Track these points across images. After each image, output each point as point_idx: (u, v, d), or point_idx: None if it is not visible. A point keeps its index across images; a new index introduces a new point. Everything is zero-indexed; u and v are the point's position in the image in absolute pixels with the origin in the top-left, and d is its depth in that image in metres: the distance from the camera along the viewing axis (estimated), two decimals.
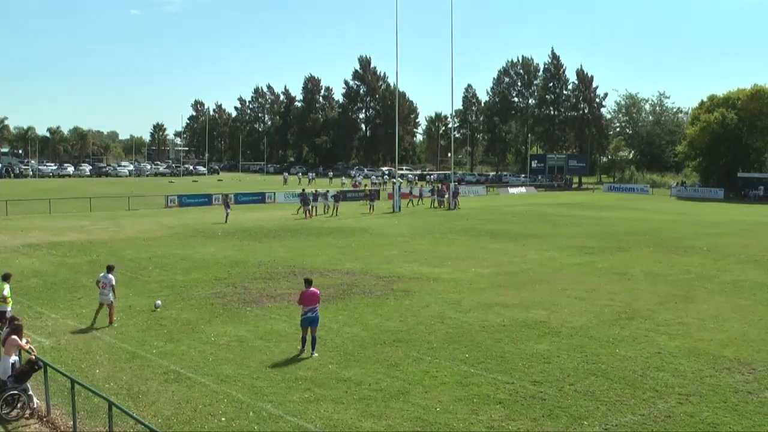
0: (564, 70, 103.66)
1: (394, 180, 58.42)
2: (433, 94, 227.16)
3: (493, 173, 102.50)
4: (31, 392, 11.15)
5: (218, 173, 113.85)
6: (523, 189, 78.17)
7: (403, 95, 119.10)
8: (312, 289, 14.10)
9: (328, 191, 48.23)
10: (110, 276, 16.35)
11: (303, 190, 49.45)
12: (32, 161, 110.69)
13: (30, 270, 23.25)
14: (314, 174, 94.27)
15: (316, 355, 13.82)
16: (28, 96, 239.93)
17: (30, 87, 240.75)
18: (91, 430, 10.37)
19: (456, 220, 41.42)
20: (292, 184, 77.92)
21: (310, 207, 42.72)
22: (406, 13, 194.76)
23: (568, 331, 15.75)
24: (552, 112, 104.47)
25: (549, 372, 12.92)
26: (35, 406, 11.10)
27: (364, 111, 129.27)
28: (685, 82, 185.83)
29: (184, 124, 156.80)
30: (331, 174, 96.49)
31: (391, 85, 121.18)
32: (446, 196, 52.72)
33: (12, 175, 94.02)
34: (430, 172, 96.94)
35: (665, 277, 22.81)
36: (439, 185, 60.53)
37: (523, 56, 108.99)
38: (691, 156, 77.17)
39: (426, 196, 54.73)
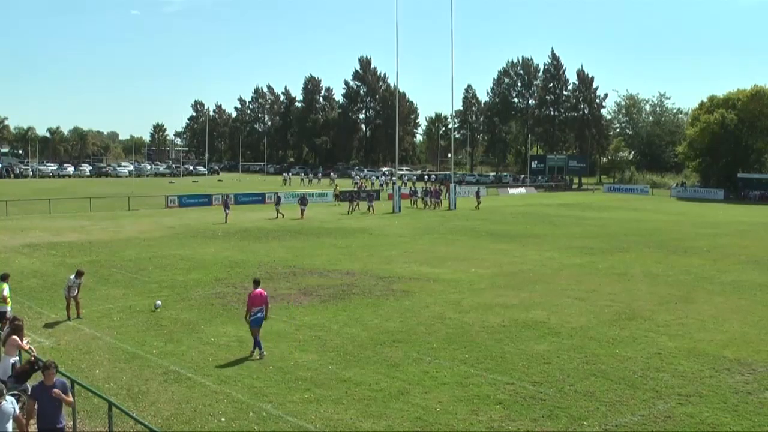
0: (564, 71, 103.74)
1: (393, 180, 58.45)
2: (433, 95, 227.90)
3: (493, 174, 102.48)
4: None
5: (218, 173, 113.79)
6: (523, 189, 78.19)
7: (403, 96, 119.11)
8: (259, 290, 14.11)
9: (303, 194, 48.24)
10: (71, 277, 16.98)
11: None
12: (32, 161, 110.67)
13: (30, 270, 23.25)
14: (336, 175, 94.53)
15: (256, 355, 13.76)
16: (28, 96, 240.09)
17: (30, 87, 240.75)
18: (91, 430, 10.37)
19: (456, 221, 41.42)
20: (295, 185, 78.01)
21: (305, 207, 42.75)
22: (406, 13, 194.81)
23: (568, 332, 15.75)
24: (552, 113, 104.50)
25: (549, 372, 12.92)
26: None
27: (364, 111, 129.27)
28: (685, 83, 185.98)
29: (184, 125, 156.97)
30: (334, 175, 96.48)
31: (391, 85, 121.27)
32: (442, 196, 52.79)
33: (12, 175, 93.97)
34: (422, 174, 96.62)
35: (665, 277, 22.80)
36: (428, 186, 61.11)
37: (523, 57, 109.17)
38: (691, 157, 77.21)
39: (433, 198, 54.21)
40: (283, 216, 41.41)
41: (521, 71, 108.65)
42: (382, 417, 10.81)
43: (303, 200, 43.63)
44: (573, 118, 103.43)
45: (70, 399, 8.85)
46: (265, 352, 13.80)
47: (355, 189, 60.77)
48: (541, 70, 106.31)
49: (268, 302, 14.35)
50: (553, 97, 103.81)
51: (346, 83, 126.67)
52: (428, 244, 30.86)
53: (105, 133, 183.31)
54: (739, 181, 69.38)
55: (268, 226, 37.56)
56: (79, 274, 17.01)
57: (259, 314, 13.95)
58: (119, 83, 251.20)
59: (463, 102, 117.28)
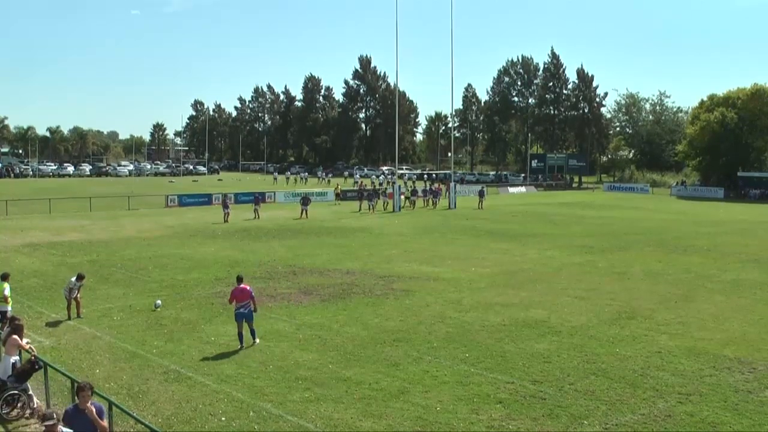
0: (564, 70, 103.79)
1: (392, 179, 58.46)
2: (433, 94, 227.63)
3: (493, 173, 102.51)
4: (31, 392, 11.15)
5: (218, 173, 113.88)
6: (523, 188, 78.16)
7: (403, 95, 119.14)
8: (242, 285, 14.56)
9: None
10: (71, 280, 17.01)
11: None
12: (32, 161, 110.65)
13: (30, 270, 23.24)
14: (360, 173, 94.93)
15: (258, 341, 14.45)
16: (28, 96, 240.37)
17: (30, 87, 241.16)
18: None
19: (456, 220, 41.41)
20: (293, 184, 78.08)
21: (307, 207, 42.68)
22: (406, 12, 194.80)
23: (569, 331, 15.74)
24: (552, 112, 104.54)
25: (549, 371, 12.91)
26: (35, 405, 11.09)
27: (364, 111, 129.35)
28: (685, 81, 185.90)
29: (184, 124, 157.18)
30: (357, 173, 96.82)
31: (392, 84, 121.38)
32: (439, 196, 52.69)
33: (12, 175, 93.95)
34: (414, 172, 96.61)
35: (665, 276, 22.79)
36: (414, 185, 62.21)
37: (522, 56, 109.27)
38: (691, 155, 77.22)
39: (419, 196, 53.83)
40: (258, 217, 40.66)
41: (521, 70, 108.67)
42: (382, 416, 10.81)
43: (305, 200, 43.55)
44: (573, 117, 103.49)
45: (105, 424, 8.00)
46: (244, 345, 14.27)
47: (356, 188, 60.83)
48: (541, 69, 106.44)
49: (254, 297, 14.69)
50: (553, 96, 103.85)
51: (346, 82, 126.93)
52: (428, 243, 30.84)
53: (105, 132, 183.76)
54: (740, 180, 69.38)
55: (268, 225, 37.56)
56: (79, 277, 16.98)
57: (241, 309, 14.27)
58: (119, 83, 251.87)
59: (463, 101, 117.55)
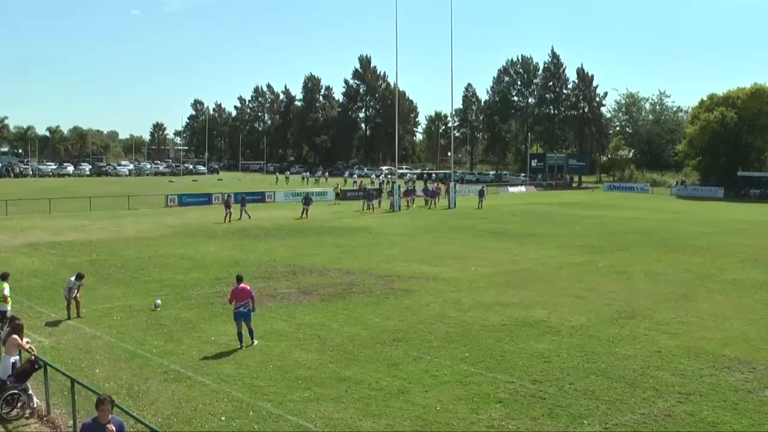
0: (564, 69, 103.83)
1: (392, 178, 58.51)
2: (433, 94, 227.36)
3: (493, 172, 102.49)
4: (31, 392, 11.15)
5: (218, 172, 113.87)
6: (522, 188, 78.15)
7: (403, 94, 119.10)
8: (242, 285, 14.63)
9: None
10: (71, 279, 17.03)
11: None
12: (32, 161, 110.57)
13: (30, 270, 23.24)
14: (359, 173, 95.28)
15: (257, 342, 14.47)
16: (28, 96, 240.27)
17: (30, 87, 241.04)
18: None
19: (456, 219, 41.41)
20: (293, 184, 77.99)
21: (309, 207, 42.65)
22: (406, 12, 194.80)
23: (568, 330, 15.74)
24: (552, 111, 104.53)
25: (549, 371, 12.91)
26: (35, 405, 11.10)
27: (364, 110, 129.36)
28: (685, 81, 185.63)
29: (184, 124, 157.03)
30: (358, 172, 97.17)
31: (391, 84, 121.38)
32: (438, 196, 52.71)
33: (12, 174, 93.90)
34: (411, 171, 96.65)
35: (665, 276, 22.79)
36: (413, 184, 62.91)
37: (522, 55, 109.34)
38: (691, 155, 77.26)
39: (419, 195, 53.90)
40: (249, 217, 40.37)
41: (521, 70, 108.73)
42: (382, 416, 10.81)
43: (307, 200, 43.51)
44: (573, 117, 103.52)
45: None
46: (243, 345, 14.31)
47: (356, 188, 60.85)
48: (541, 68, 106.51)
49: (254, 296, 14.77)
50: (552, 95, 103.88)
51: (346, 82, 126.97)
52: (428, 242, 30.85)
53: (105, 132, 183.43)
54: (739, 180, 69.43)
55: (267, 225, 37.55)
56: (79, 276, 16.99)
57: (241, 308, 14.33)
58: (119, 83, 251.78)
59: (463, 100, 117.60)
